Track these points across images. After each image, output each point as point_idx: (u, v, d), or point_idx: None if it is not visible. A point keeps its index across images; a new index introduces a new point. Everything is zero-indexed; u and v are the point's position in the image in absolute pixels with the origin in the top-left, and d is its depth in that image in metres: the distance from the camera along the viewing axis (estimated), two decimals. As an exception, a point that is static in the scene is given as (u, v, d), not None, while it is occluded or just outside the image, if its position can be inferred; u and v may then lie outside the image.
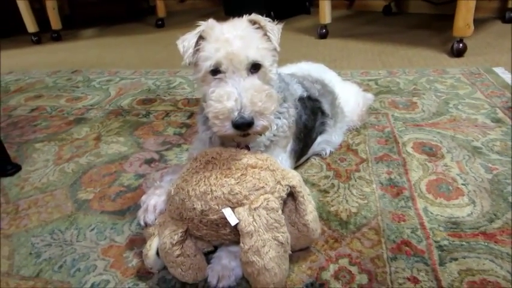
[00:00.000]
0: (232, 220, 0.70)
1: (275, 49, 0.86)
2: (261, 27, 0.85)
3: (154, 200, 0.85)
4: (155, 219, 0.83)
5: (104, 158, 1.30)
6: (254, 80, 0.79)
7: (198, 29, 0.84)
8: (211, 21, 0.85)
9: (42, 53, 2.93)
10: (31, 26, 3.11)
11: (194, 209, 0.73)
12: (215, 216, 0.72)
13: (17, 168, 1.27)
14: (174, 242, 0.74)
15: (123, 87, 1.96)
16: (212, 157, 0.79)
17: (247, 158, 0.79)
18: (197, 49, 0.83)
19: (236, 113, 0.73)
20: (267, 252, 0.69)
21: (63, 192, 1.13)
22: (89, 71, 2.31)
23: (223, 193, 0.72)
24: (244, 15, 0.88)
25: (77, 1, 3.86)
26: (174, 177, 0.88)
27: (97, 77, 2.17)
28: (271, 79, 0.85)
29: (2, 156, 1.26)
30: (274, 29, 0.86)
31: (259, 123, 0.75)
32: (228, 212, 0.71)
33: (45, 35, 3.24)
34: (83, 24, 3.78)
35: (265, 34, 0.85)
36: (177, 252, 0.75)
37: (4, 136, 1.50)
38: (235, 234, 0.74)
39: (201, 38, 0.83)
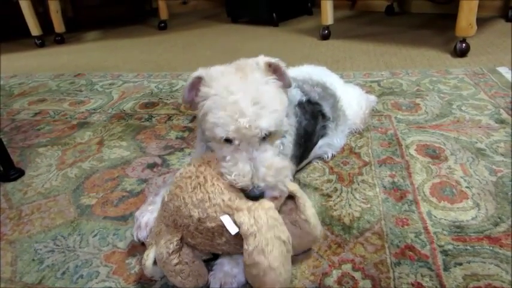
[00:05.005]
0: (232, 229, 0.69)
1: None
2: (272, 72, 0.81)
3: (146, 217, 0.86)
4: (147, 236, 0.84)
5: (106, 162, 1.30)
6: (267, 153, 0.76)
7: (195, 75, 0.80)
8: (213, 71, 0.80)
9: (46, 56, 2.94)
10: (34, 29, 3.12)
11: (191, 216, 0.72)
12: (212, 224, 0.71)
13: (20, 173, 1.27)
14: (171, 251, 0.73)
15: (126, 91, 1.96)
16: (208, 161, 0.79)
17: None
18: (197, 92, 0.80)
19: (250, 188, 0.73)
20: (271, 251, 0.69)
21: (66, 198, 1.13)
22: (92, 74, 2.31)
23: (222, 200, 0.72)
24: (252, 59, 0.82)
25: (80, 4, 3.88)
26: None
27: (100, 80, 2.17)
28: (285, 131, 0.83)
29: (5, 161, 1.26)
30: (286, 70, 0.82)
31: (270, 193, 0.75)
32: (226, 220, 0.70)
33: (49, 38, 3.26)
34: (86, 27, 3.79)
35: (278, 78, 0.81)
36: (175, 261, 0.74)
37: (7, 140, 1.50)
38: (229, 245, 0.74)
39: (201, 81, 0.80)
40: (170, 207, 0.76)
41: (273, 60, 0.81)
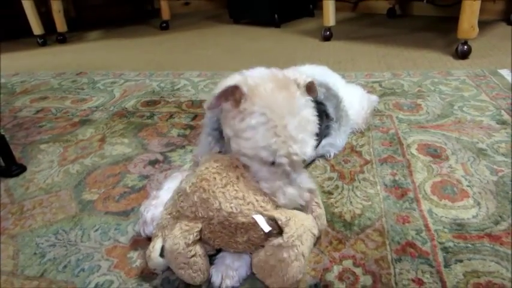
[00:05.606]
0: (265, 227, 0.71)
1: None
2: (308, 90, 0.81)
3: (151, 213, 0.87)
4: (153, 230, 0.84)
5: (108, 159, 1.30)
6: (303, 175, 0.79)
7: (231, 83, 0.74)
8: (253, 83, 0.76)
9: (48, 55, 2.95)
10: (37, 28, 3.13)
11: (219, 209, 0.72)
12: (243, 220, 0.72)
13: (22, 169, 1.28)
14: (190, 242, 0.73)
15: (128, 89, 1.97)
16: (236, 165, 0.80)
17: None
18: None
19: None
20: (306, 239, 0.71)
21: (67, 193, 1.13)
22: (94, 73, 2.32)
23: (256, 200, 0.74)
24: (291, 73, 0.80)
25: (82, 4, 3.89)
26: (172, 185, 0.89)
27: (102, 79, 2.18)
28: None
29: (8, 157, 1.26)
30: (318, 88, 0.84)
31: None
32: (260, 218, 0.71)
33: (51, 37, 3.26)
34: (88, 27, 3.80)
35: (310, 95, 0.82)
36: (192, 253, 0.73)
37: (10, 137, 1.50)
38: (247, 245, 0.75)
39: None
40: (193, 198, 0.75)
41: (311, 80, 0.81)
